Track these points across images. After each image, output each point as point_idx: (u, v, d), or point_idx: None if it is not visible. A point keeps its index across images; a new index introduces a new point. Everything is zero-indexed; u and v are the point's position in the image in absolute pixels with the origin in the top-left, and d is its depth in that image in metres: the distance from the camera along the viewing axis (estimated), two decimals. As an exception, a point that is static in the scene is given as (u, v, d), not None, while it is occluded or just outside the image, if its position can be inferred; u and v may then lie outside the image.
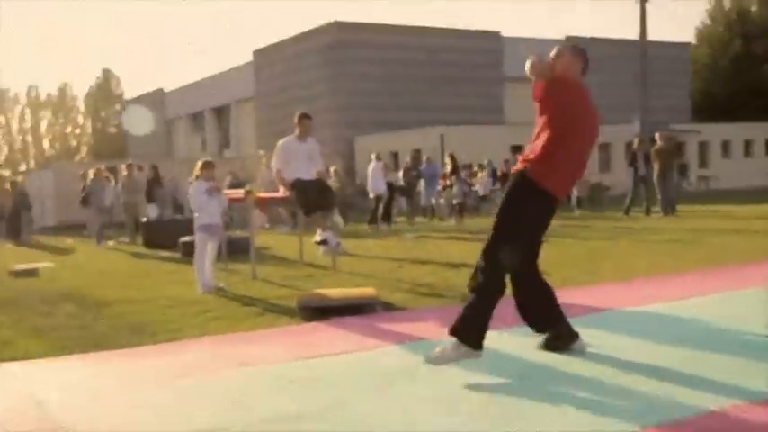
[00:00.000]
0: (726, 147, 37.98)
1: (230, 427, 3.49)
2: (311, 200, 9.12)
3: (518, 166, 4.39)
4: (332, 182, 14.82)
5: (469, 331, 4.24)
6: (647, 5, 29.72)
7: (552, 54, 4.47)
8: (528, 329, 5.29)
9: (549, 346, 4.59)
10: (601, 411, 3.45)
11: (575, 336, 4.56)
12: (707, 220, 15.27)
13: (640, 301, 6.20)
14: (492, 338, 5.09)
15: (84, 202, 17.23)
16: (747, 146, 38.27)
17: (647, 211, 17.27)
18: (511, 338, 5.05)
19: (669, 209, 17.15)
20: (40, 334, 6.09)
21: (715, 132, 37.74)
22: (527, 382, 3.99)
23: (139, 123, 54.60)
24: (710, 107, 49.08)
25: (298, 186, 9.05)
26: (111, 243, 16.20)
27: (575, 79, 4.50)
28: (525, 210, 4.27)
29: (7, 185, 21.08)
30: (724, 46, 52.32)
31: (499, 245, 4.22)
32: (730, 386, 3.73)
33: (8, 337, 5.98)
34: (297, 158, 9.16)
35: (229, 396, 4.02)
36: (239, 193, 10.08)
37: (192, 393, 4.13)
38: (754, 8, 53.69)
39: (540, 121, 4.36)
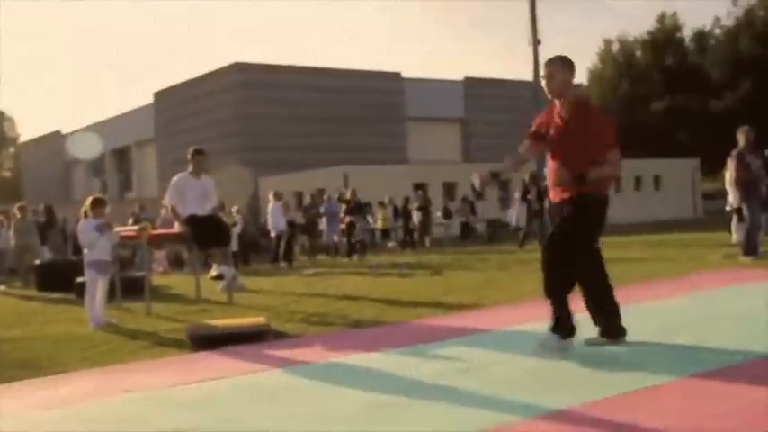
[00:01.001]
0: (617, 182, 39.76)
1: (107, 446, 3.57)
2: (206, 235, 9.21)
3: (571, 193, 4.89)
4: (227, 218, 14.79)
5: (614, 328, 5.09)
6: (540, 48, 31.09)
7: (549, 73, 4.94)
8: (407, 351, 5.56)
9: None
10: (455, 415, 3.70)
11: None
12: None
13: (517, 322, 6.55)
14: (371, 360, 5.33)
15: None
16: (637, 181, 40.18)
17: (541, 243, 17.95)
18: (389, 359, 5.28)
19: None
20: None
21: (606, 169, 39.48)
22: (401, 398, 4.19)
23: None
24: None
25: (192, 222, 9.12)
26: (1, 288, 15.68)
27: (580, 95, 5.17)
28: (599, 223, 5.03)
29: None
30: (613, 87, 55.11)
31: (589, 260, 4.97)
32: (570, 390, 4.04)
33: None
34: (191, 194, 9.23)
35: (111, 420, 4.08)
36: (132, 229, 10.04)
37: (74, 419, 4.17)
38: (638, 53, 56.88)
39: (564, 141, 4.93)
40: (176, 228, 9.51)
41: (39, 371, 5.71)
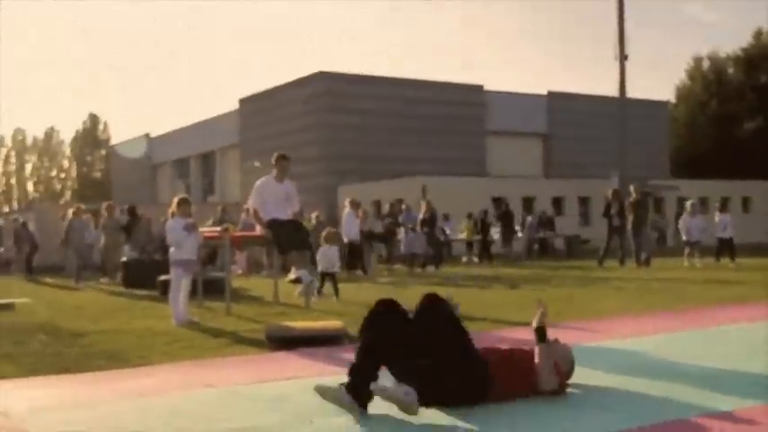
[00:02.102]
0: (703, 203, 38.63)
1: (189, 436, 3.68)
2: (287, 239, 9.36)
3: None
4: (307, 224, 14.98)
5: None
6: (627, 63, 30.52)
7: None
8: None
9: None
10: (527, 429, 3.67)
11: None
12: (677, 271, 15.58)
13: (593, 339, 6.45)
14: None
15: (65, 240, 17.28)
16: (724, 202, 38.94)
17: (621, 261, 17.59)
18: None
19: (643, 259, 17.48)
20: (12, 360, 6.23)
21: (693, 188, 38.41)
22: (473, 407, 4.18)
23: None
24: (688, 164, 50.00)
25: (273, 226, 9.29)
26: (90, 284, 16.30)
27: None
28: None
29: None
30: (702, 105, 53.57)
31: None
32: (646, 408, 3.96)
33: (-19, 362, 6.12)
34: (274, 198, 9.41)
35: (193, 412, 4.21)
36: (215, 230, 10.29)
37: (156, 409, 4.31)
38: (730, 70, 55.15)
39: None
40: (258, 231, 9.71)
41: (124, 362, 5.93)
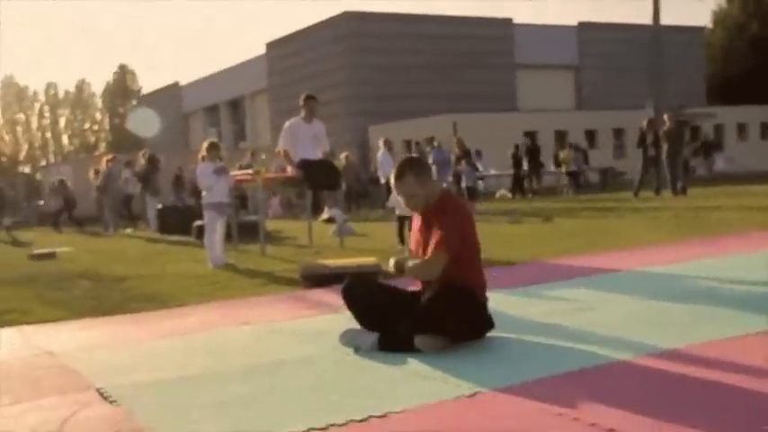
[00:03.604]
0: (742, 129, 37.82)
1: (225, 370, 3.76)
2: (318, 179, 9.39)
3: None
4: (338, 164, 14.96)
5: None
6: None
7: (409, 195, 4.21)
8: (516, 291, 5.55)
9: None
10: (562, 352, 3.69)
11: None
12: (714, 199, 15.36)
13: (628, 266, 6.44)
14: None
15: (102, 188, 17.49)
16: (764, 128, 38.09)
17: (657, 191, 17.38)
18: (496, 299, 5.30)
19: (679, 188, 17.25)
20: (56, 304, 6.40)
21: (731, 115, 37.58)
22: (508, 335, 4.20)
23: (146, 125, 55.37)
24: (726, 90, 48.76)
25: (304, 166, 9.30)
26: (128, 231, 16.57)
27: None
28: None
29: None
30: (740, 28, 51.94)
31: None
32: (688, 330, 3.95)
33: (27, 307, 6.28)
34: (303, 139, 9.40)
35: (230, 348, 4.30)
36: (248, 173, 10.35)
37: (195, 346, 4.41)
38: (770, -11, 53.25)
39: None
40: (289, 172, 9.73)
41: (163, 304, 6.05)
